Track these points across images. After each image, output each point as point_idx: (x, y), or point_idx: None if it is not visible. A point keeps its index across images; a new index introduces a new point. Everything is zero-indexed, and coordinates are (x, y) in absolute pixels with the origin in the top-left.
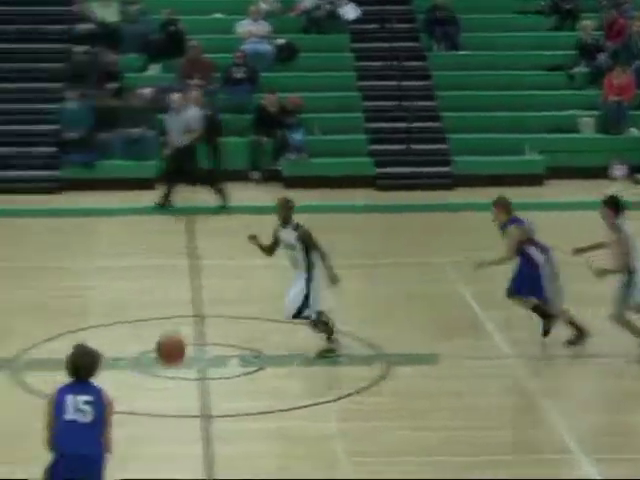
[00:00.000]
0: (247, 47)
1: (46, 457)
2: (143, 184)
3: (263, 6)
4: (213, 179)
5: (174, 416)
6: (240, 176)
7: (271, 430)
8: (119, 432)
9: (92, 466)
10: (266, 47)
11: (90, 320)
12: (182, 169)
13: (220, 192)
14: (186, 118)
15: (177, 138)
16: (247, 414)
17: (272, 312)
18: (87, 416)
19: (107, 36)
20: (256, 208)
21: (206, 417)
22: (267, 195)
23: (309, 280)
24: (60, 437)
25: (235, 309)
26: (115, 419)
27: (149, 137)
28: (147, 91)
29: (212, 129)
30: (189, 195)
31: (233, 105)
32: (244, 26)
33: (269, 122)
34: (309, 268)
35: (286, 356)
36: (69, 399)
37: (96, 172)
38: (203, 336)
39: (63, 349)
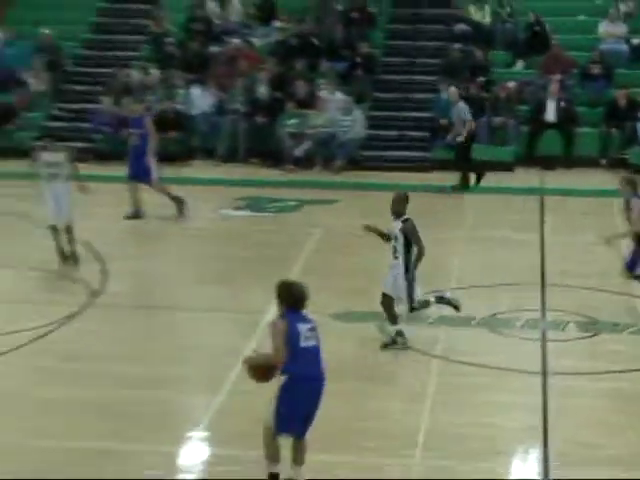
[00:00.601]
0: (605, 46)
1: None
2: (503, 166)
3: (622, 8)
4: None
5: (516, 370)
6: (590, 163)
7: (605, 389)
8: (465, 380)
9: (323, 386)
10: (622, 46)
11: (451, 283)
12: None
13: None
14: (459, 110)
15: (457, 128)
16: (583, 373)
17: (608, 284)
18: (314, 341)
19: (480, 35)
20: (602, 192)
21: (545, 373)
22: (613, 180)
23: (405, 271)
24: (302, 362)
25: (574, 280)
26: (464, 369)
27: (510, 125)
28: (511, 84)
29: (567, 119)
30: (540, 177)
31: (588, 99)
32: (603, 27)
33: (620, 115)
34: (407, 261)
35: (619, 324)
36: (300, 327)
37: None
38: (545, 302)
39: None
